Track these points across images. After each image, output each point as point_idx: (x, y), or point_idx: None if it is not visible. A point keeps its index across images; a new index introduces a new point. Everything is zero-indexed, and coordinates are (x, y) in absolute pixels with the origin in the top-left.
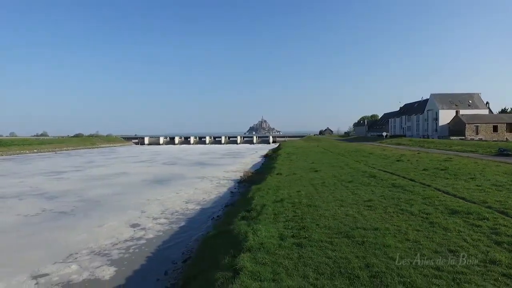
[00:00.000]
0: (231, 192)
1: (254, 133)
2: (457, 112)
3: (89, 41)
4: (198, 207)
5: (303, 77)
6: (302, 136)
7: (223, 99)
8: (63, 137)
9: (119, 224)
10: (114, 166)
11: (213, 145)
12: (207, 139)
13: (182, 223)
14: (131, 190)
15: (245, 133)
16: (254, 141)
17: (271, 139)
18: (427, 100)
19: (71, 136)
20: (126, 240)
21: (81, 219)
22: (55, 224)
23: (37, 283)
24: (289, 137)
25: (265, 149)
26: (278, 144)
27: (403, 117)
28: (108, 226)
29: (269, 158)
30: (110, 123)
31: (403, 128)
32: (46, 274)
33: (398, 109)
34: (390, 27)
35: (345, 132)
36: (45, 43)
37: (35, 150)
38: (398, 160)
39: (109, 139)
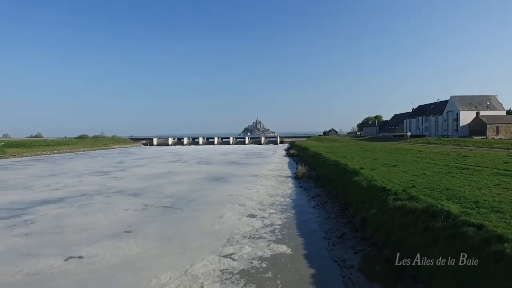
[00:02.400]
0: (300, 186)
1: (249, 134)
2: (477, 113)
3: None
4: (288, 199)
5: (299, 78)
6: (307, 137)
7: (217, 99)
8: (67, 138)
9: (236, 215)
10: (152, 166)
11: (222, 145)
12: (215, 140)
13: (291, 211)
14: (202, 187)
15: (240, 134)
16: (262, 142)
17: (278, 140)
18: (443, 101)
19: (76, 138)
20: (262, 227)
21: (194, 213)
22: (176, 217)
23: (234, 260)
24: (295, 137)
25: (278, 149)
26: (288, 144)
27: (420, 118)
28: (228, 217)
29: (301, 157)
30: (106, 123)
31: (420, 128)
32: (232, 253)
33: (410, 110)
34: (387, 29)
35: (348, 133)
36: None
37: (55, 151)
38: (464, 156)
39: (118, 140)
